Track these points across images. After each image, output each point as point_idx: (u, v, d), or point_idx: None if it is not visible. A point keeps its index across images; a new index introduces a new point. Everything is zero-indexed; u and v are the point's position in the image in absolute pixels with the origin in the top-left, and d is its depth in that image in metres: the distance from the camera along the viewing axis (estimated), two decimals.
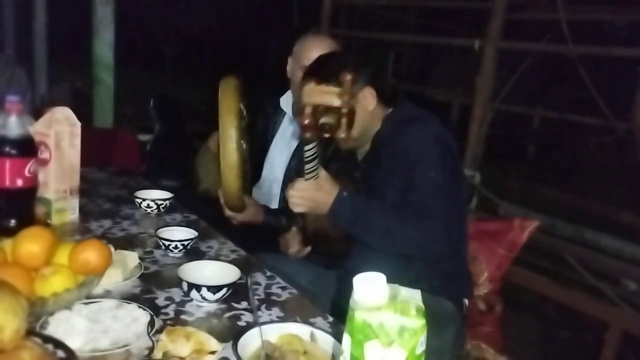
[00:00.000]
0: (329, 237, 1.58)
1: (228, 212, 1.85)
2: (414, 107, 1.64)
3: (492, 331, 1.71)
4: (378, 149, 1.58)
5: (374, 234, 1.42)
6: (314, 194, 1.43)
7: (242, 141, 1.92)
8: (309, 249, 1.79)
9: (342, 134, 1.45)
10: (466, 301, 1.63)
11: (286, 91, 2.13)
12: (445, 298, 1.53)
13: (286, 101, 2.14)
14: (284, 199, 2.06)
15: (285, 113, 2.14)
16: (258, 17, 13.63)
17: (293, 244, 1.81)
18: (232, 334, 1.06)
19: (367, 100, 1.56)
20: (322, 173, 1.45)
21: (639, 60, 3.76)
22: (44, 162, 1.54)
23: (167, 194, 1.80)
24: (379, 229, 1.41)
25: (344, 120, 1.45)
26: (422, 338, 0.73)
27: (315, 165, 1.43)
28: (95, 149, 2.00)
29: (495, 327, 1.72)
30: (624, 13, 4.34)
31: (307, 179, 1.43)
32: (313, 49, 1.99)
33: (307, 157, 1.42)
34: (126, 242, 1.49)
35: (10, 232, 1.19)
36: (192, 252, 1.46)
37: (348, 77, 1.41)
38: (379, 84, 1.60)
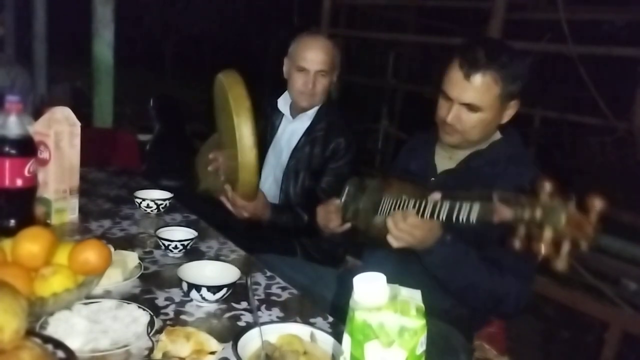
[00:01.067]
0: (383, 243, 1.44)
1: (240, 202, 1.79)
2: (518, 143, 1.52)
3: (496, 332, 1.70)
4: (469, 175, 1.47)
5: (453, 283, 1.39)
6: (423, 234, 1.28)
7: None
8: (347, 225, 1.62)
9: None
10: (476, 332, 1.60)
11: (284, 92, 2.13)
12: (462, 333, 1.48)
13: (284, 102, 2.13)
14: (284, 199, 2.07)
15: (284, 114, 2.13)
16: (258, 17, 13.62)
17: (334, 220, 1.64)
18: (232, 334, 1.06)
19: (510, 111, 1.46)
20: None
21: (639, 60, 3.76)
22: (44, 162, 1.54)
23: (167, 194, 1.80)
24: (460, 283, 1.37)
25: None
26: (422, 338, 0.73)
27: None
28: (95, 149, 2.01)
29: (500, 328, 1.71)
30: (624, 13, 4.34)
31: (425, 215, 1.26)
32: (309, 49, 1.98)
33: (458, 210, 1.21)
34: (126, 242, 1.49)
35: (10, 232, 1.19)
36: (192, 252, 1.46)
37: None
38: (520, 104, 1.48)
